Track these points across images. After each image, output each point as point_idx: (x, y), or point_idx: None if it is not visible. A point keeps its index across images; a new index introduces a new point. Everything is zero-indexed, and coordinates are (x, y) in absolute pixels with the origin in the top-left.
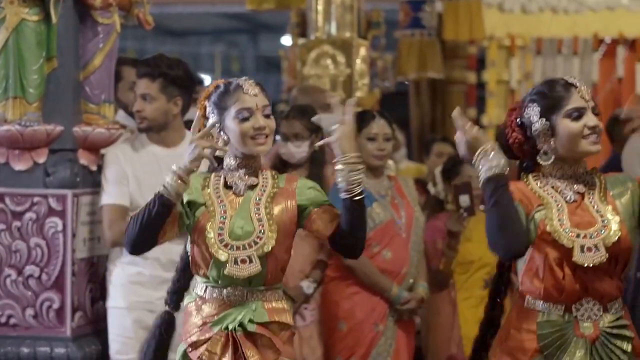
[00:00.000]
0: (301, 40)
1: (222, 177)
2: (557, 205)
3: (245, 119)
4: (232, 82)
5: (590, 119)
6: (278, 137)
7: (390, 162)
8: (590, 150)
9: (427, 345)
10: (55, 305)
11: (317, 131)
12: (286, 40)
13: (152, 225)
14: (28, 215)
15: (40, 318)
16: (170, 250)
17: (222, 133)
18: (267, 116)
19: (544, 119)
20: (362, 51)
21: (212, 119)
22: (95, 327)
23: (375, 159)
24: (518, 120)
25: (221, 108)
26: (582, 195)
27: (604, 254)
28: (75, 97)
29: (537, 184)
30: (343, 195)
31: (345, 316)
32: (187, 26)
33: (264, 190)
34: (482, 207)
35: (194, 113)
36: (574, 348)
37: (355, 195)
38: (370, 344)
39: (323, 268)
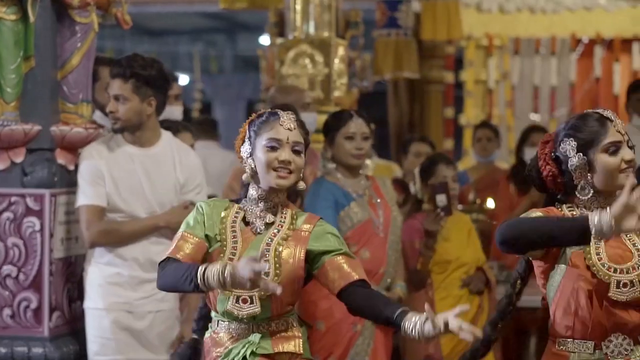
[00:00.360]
0: (279, 40)
1: (242, 211)
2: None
3: (273, 149)
4: (274, 112)
5: (626, 153)
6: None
7: (368, 161)
8: (626, 185)
9: (404, 345)
10: (33, 305)
11: None
12: (264, 39)
13: (180, 290)
14: (5, 214)
15: (18, 318)
16: (149, 251)
17: (250, 160)
18: (296, 152)
19: (582, 154)
20: (341, 51)
21: (246, 144)
22: (73, 327)
23: (354, 158)
24: (552, 154)
25: (256, 135)
26: None
27: (639, 289)
28: (52, 96)
29: (571, 214)
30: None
31: (324, 316)
32: (165, 25)
33: (279, 231)
34: (460, 206)
35: (170, 112)
36: None
37: None
38: (348, 343)
39: None
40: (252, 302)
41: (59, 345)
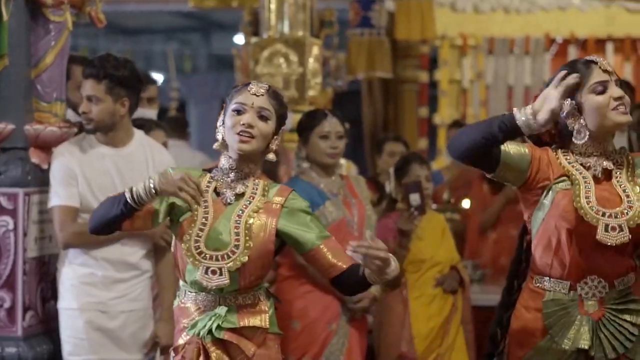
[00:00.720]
0: (254, 39)
1: (214, 181)
2: (585, 182)
3: (238, 113)
4: (249, 82)
5: (614, 91)
6: None
7: (342, 161)
8: (621, 121)
9: (378, 344)
10: (7, 305)
11: None
12: (239, 38)
13: (112, 220)
14: None
15: None
16: (121, 251)
17: (221, 128)
18: (262, 118)
19: (570, 99)
20: (315, 50)
21: (222, 115)
22: (47, 327)
23: (328, 157)
24: None
25: (228, 103)
26: (610, 172)
27: (627, 234)
28: (26, 95)
29: (565, 158)
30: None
31: (299, 315)
32: (139, 24)
33: (250, 202)
34: (434, 206)
35: (143, 112)
36: (579, 324)
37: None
38: (323, 342)
39: (275, 268)
40: (221, 274)
41: (32, 345)
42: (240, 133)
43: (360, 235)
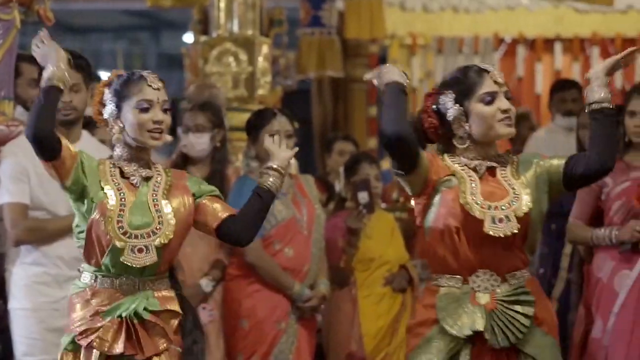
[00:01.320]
0: (203, 38)
1: (117, 166)
2: (470, 179)
3: (145, 110)
4: (136, 73)
5: (502, 103)
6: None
7: (292, 160)
8: (504, 133)
9: (327, 343)
10: None
11: (219, 126)
12: (188, 37)
13: (40, 112)
14: None
15: None
16: (74, 249)
17: (118, 121)
18: (165, 111)
19: (458, 105)
20: (265, 49)
21: (110, 106)
22: None
23: None
24: (434, 106)
25: (122, 96)
26: (494, 170)
27: (515, 224)
28: None
29: (451, 160)
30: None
31: (247, 314)
32: (88, 23)
33: (160, 183)
34: (383, 205)
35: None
36: (471, 313)
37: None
38: (272, 342)
39: (222, 267)
40: (148, 251)
41: None
42: (153, 130)
43: (310, 234)
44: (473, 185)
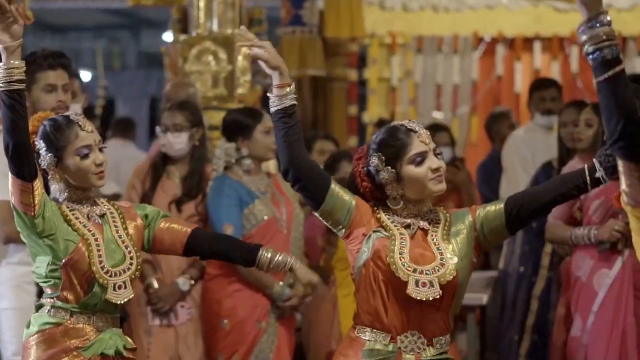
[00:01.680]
0: (183, 37)
1: (75, 209)
2: (401, 238)
3: (86, 156)
4: (63, 120)
5: (432, 162)
6: (159, 130)
7: (272, 160)
8: (436, 190)
9: (307, 342)
10: None
11: (197, 125)
12: (168, 36)
13: (10, 115)
14: None
15: None
16: None
17: (58, 169)
18: (101, 150)
19: (390, 167)
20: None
21: (47, 156)
22: None
23: (273, 152)
24: (365, 168)
25: (59, 146)
26: (426, 231)
27: (437, 290)
28: None
29: (386, 216)
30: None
31: (228, 314)
32: (67, 21)
33: (115, 217)
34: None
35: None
36: None
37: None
38: (252, 341)
39: (200, 267)
40: (126, 287)
41: None
42: (97, 172)
43: (289, 233)
44: (403, 244)
